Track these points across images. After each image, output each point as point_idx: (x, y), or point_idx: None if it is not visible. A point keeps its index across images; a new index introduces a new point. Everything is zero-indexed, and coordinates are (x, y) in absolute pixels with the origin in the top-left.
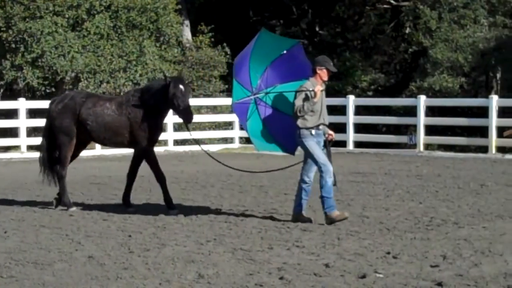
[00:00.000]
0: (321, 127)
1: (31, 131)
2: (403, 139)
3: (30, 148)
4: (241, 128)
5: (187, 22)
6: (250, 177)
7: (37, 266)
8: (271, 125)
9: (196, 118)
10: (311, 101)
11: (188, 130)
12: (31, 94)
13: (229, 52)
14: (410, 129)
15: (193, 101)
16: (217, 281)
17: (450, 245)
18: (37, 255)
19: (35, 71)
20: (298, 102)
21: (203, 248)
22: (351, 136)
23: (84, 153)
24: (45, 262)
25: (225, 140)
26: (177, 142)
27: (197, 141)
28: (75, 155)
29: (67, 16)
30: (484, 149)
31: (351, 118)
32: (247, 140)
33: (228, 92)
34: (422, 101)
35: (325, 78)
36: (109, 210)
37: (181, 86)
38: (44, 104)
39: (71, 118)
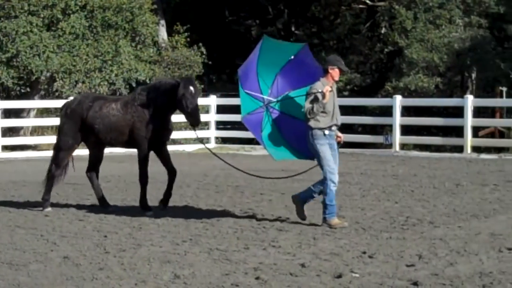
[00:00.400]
0: (333, 128)
1: (6, 131)
2: (379, 139)
3: (5, 148)
4: (218, 128)
5: (162, 22)
6: (226, 177)
7: (12, 267)
8: (285, 131)
9: (172, 118)
10: (321, 102)
11: (195, 131)
12: (6, 94)
13: (205, 52)
14: (386, 129)
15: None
16: (193, 282)
17: (426, 244)
18: (12, 255)
19: (9, 71)
20: (308, 104)
21: (179, 249)
22: None
23: None
24: (20, 262)
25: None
26: None
27: (203, 142)
28: (98, 158)
29: (42, 15)
30: (460, 149)
31: None
32: (223, 140)
33: (204, 92)
34: (398, 101)
35: (337, 77)
36: (85, 211)
37: (191, 88)
38: (19, 104)
39: (78, 123)
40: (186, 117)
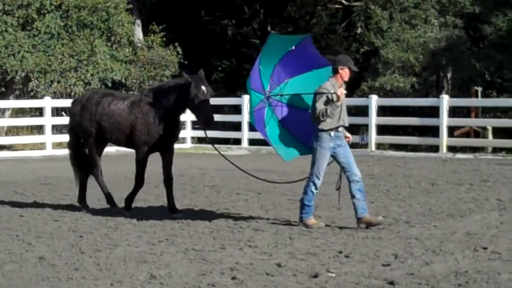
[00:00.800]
0: (340, 129)
1: None
2: (355, 138)
3: None
4: (194, 128)
5: (138, 21)
6: (202, 177)
7: None
8: (289, 125)
9: None
10: (334, 104)
11: (205, 133)
12: None
13: (180, 52)
14: (362, 129)
15: None
16: (169, 282)
17: (402, 244)
18: None
19: None
20: (320, 106)
21: (155, 249)
22: None
23: (35, 153)
24: None
25: (177, 140)
26: None
27: (213, 144)
28: (98, 153)
29: (17, 15)
30: (435, 148)
31: None
32: (199, 140)
33: None
34: (374, 100)
35: (346, 78)
36: (60, 211)
37: (203, 87)
38: None
39: (88, 119)
40: (198, 119)
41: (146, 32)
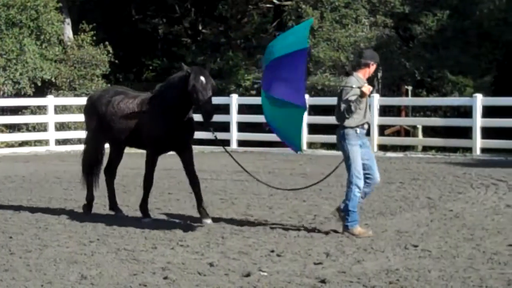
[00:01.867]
0: (365, 125)
1: None
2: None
3: None
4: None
5: (68, 20)
6: (134, 176)
7: None
8: (275, 86)
9: (79, 117)
10: (358, 100)
11: (208, 128)
12: None
13: (111, 51)
14: None
15: (75, 100)
16: (100, 282)
17: (333, 242)
18: None
19: None
20: (346, 102)
21: (86, 249)
22: (234, 135)
23: None
24: None
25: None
26: (59, 142)
27: (221, 144)
28: (117, 157)
29: None
30: None
31: (234, 117)
32: None
33: None
34: (306, 100)
35: (370, 74)
36: None
37: (201, 78)
38: None
39: (97, 118)
40: (198, 111)
41: (76, 31)
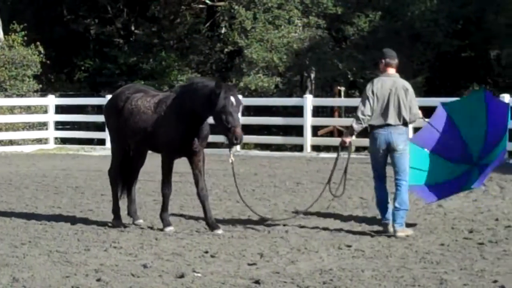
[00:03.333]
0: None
1: None
2: (219, 138)
3: None
4: (57, 129)
5: None
6: (66, 178)
7: None
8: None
9: (9, 118)
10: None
11: (230, 151)
12: None
13: (42, 51)
14: None
15: (5, 101)
16: (33, 284)
17: (267, 243)
18: None
19: None
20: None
21: (17, 251)
22: None
23: None
24: None
25: (40, 141)
26: None
27: (232, 165)
28: (141, 160)
29: None
30: (300, 147)
31: None
32: (62, 141)
33: (42, 92)
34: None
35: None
36: None
37: (232, 99)
38: None
39: (116, 117)
40: (225, 134)
41: (6, 31)
